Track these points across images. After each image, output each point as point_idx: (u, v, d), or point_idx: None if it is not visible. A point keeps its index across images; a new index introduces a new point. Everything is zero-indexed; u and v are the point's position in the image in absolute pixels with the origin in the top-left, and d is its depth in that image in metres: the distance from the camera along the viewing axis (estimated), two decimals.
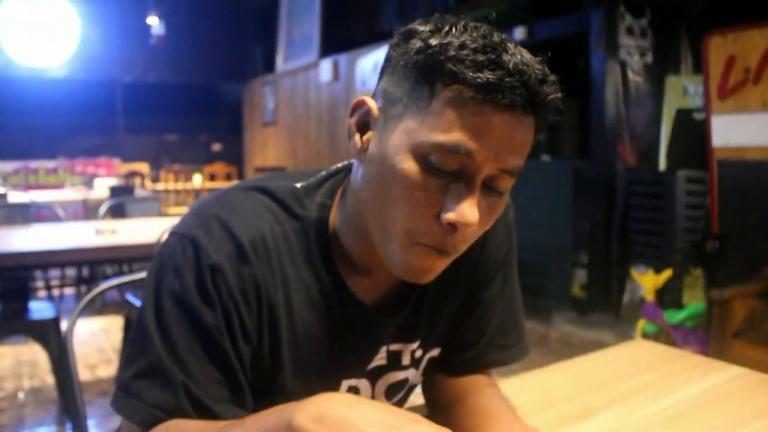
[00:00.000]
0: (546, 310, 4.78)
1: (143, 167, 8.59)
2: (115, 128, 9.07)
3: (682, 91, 4.60)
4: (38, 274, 4.20)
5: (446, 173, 0.67)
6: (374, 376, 0.87)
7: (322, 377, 0.75)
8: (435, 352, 0.93)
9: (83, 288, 4.89)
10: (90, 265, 4.41)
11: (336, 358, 0.80)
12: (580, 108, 6.56)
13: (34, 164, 8.00)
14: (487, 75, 0.64)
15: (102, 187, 6.15)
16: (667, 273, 3.69)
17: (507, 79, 0.64)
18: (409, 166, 0.67)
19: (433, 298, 0.88)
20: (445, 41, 0.66)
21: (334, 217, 0.80)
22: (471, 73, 0.64)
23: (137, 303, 2.88)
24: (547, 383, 1.17)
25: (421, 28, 0.69)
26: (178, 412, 0.69)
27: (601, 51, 4.48)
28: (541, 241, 5.26)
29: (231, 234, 0.73)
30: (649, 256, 4.20)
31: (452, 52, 0.65)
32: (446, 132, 0.65)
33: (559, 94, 0.69)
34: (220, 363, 0.71)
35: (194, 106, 9.64)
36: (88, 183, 6.34)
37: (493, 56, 0.64)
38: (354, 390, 0.85)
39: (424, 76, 0.67)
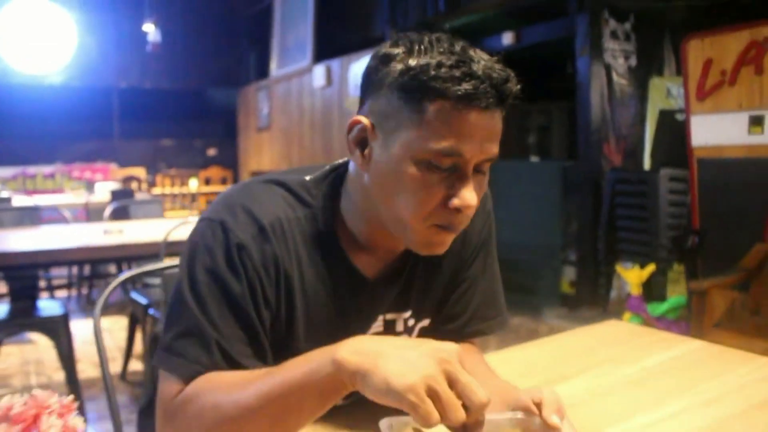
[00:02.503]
0: (536, 306, 4.92)
1: (140, 172, 8.70)
2: (111, 134, 9.17)
3: (665, 92, 4.75)
4: (40, 275, 4.30)
5: (444, 170, 0.82)
6: None
7: (329, 340, 0.88)
8: (425, 322, 1.07)
9: (85, 286, 5.01)
10: (94, 265, 4.52)
11: (341, 323, 0.94)
12: (569, 110, 6.72)
13: (31, 170, 8.10)
14: (464, 87, 0.78)
15: (103, 191, 6.26)
16: (651, 267, 3.83)
17: (481, 87, 0.78)
18: (413, 171, 0.82)
19: (424, 272, 1.03)
20: (423, 62, 0.80)
21: (338, 204, 0.95)
22: (452, 87, 0.78)
23: (143, 300, 3.01)
24: (528, 356, 1.31)
25: (396, 50, 0.83)
26: (213, 366, 0.83)
27: (586, 55, 4.62)
28: (531, 240, 5.40)
29: (253, 218, 0.88)
30: (635, 253, 4.34)
31: (432, 72, 0.78)
32: (439, 140, 0.79)
33: (518, 86, 0.84)
34: (246, 326, 0.85)
35: (189, 111, 9.75)
36: (89, 187, 6.45)
37: (466, 69, 0.78)
38: None
39: (411, 94, 0.80)
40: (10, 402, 0.49)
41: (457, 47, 0.81)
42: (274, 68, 8.37)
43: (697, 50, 3.70)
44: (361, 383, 0.69)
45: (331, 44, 7.14)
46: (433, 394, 0.65)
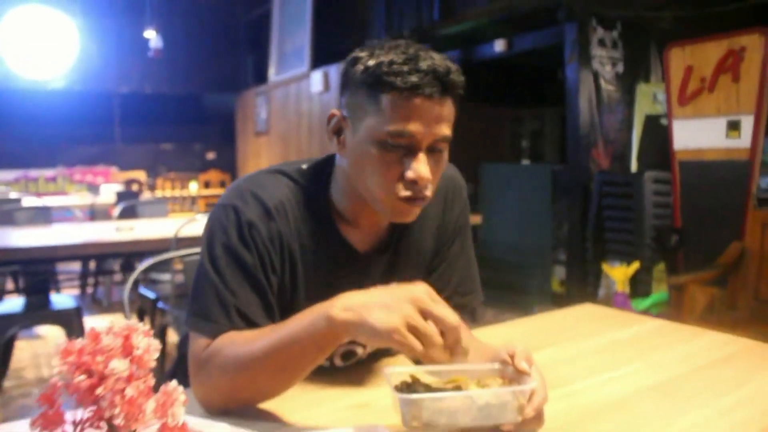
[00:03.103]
0: (528, 304, 5.08)
1: (140, 175, 8.85)
2: (112, 138, 9.33)
3: (652, 98, 4.93)
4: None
5: (399, 148, 0.99)
6: None
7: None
8: None
9: (90, 285, 5.15)
10: (100, 262, 4.68)
11: (336, 290, 1.11)
12: (561, 115, 6.90)
13: (33, 173, 8.24)
14: (411, 79, 0.96)
15: (108, 193, 6.41)
16: (635, 265, 4.01)
17: (425, 78, 0.97)
18: (374, 151, 1.00)
19: (408, 247, 1.21)
20: (379, 60, 0.99)
21: (329, 187, 1.14)
22: (401, 80, 0.96)
23: (151, 295, 3.17)
24: (510, 331, 1.48)
25: (361, 54, 1.02)
26: (233, 326, 1.01)
27: (574, 62, 4.79)
28: (522, 241, 5.57)
29: (260, 201, 1.07)
30: (621, 252, 4.51)
31: (386, 68, 0.97)
32: (392, 123, 0.98)
33: (461, 78, 1.02)
34: (259, 291, 1.04)
35: (189, 116, 9.90)
36: (92, 190, 6.61)
37: (413, 65, 0.97)
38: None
39: (370, 88, 0.99)
40: (98, 330, 0.65)
41: (411, 49, 1.00)
42: (273, 74, 8.53)
43: (678, 58, 3.88)
44: (354, 333, 0.88)
45: (328, 50, 7.28)
46: (413, 330, 0.83)
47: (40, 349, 3.95)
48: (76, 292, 5.32)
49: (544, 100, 7.74)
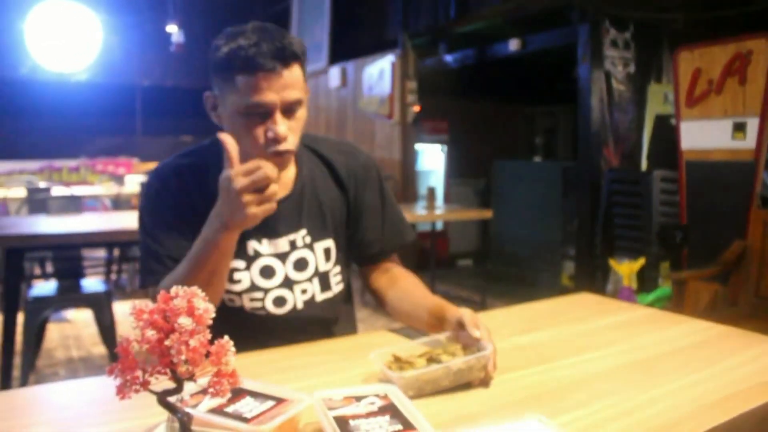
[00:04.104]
0: (538, 298, 5.19)
1: None
2: (134, 129, 9.51)
3: (663, 98, 5.03)
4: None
5: (258, 114, 1.22)
6: (282, 257, 1.41)
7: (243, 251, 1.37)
8: (327, 243, 1.46)
9: (114, 272, 5.33)
10: (123, 249, 4.86)
11: (244, 235, 1.33)
12: (573, 113, 6.99)
13: (57, 163, 8.44)
14: (256, 60, 1.18)
15: (132, 183, 6.60)
16: (641, 261, 4.13)
17: (267, 57, 1.19)
18: (241, 121, 1.24)
19: (309, 195, 1.44)
20: (229, 48, 1.21)
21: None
22: (245, 62, 1.19)
23: None
24: (507, 316, 1.62)
25: (219, 42, 1.24)
26: (167, 269, 1.29)
27: (587, 62, 4.90)
28: (533, 236, 5.69)
29: (163, 169, 1.39)
30: (629, 248, 4.63)
31: (234, 54, 1.20)
32: (247, 98, 1.20)
33: (301, 48, 1.25)
34: (180, 233, 1.33)
35: None
36: (118, 180, 6.79)
37: (255, 49, 1.19)
38: (270, 270, 1.40)
39: (226, 71, 1.22)
40: (168, 294, 0.80)
41: (254, 35, 1.21)
42: None
43: (687, 61, 3.98)
44: (234, 227, 1.16)
45: (346, 46, 7.41)
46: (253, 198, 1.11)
47: (69, 332, 4.14)
48: (101, 278, 5.51)
49: (557, 98, 7.83)
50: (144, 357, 0.77)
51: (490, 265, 6.22)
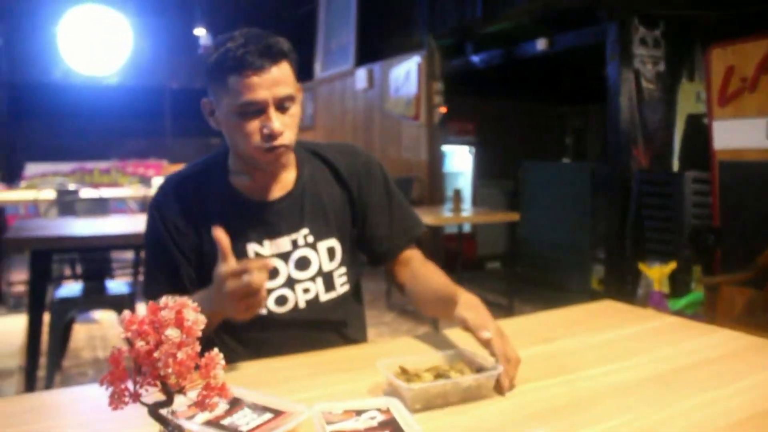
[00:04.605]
0: (566, 302, 5.10)
1: None
2: (163, 132, 9.62)
3: (695, 97, 4.91)
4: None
5: (253, 113, 1.26)
6: (284, 257, 1.40)
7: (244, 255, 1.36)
8: (331, 242, 1.45)
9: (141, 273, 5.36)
10: None
11: (241, 235, 1.36)
12: (603, 113, 6.88)
13: (89, 165, 8.57)
14: (245, 59, 1.22)
15: (158, 186, 6.64)
16: (672, 265, 4.02)
17: (250, 58, 1.22)
18: (237, 121, 1.27)
19: (310, 194, 1.43)
20: (219, 52, 1.25)
21: (228, 158, 1.43)
22: (234, 64, 1.23)
23: None
24: (527, 323, 1.57)
25: (209, 50, 1.29)
26: (161, 287, 1.33)
27: (615, 61, 4.81)
28: (561, 239, 5.61)
29: (164, 187, 1.41)
30: (660, 251, 4.52)
31: (223, 57, 1.24)
32: (239, 98, 1.24)
33: (287, 46, 1.28)
34: (173, 262, 1.37)
35: None
36: (144, 182, 6.85)
37: (242, 50, 1.23)
38: (273, 270, 1.37)
39: (218, 74, 1.26)
40: (157, 305, 0.78)
41: (242, 38, 1.25)
42: (318, 70, 8.68)
43: (719, 58, 3.87)
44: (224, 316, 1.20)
45: (372, 48, 7.40)
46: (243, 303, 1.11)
47: (96, 332, 4.18)
48: (128, 279, 5.56)
49: (587, 97, 7.72)
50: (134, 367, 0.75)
51: (519, 268, 6.15)
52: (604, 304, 1.77)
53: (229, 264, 1.11)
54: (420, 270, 1.49)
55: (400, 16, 7.07)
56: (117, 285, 3.34)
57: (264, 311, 1.37)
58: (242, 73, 1.23)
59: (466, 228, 6.78)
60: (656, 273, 4.08)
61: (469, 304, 1.25)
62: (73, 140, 8.78)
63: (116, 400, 0.75)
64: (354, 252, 1.51)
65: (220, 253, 1.12)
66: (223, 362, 0.77)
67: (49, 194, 4.84)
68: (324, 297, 1.43)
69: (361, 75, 7.41)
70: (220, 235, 1.12)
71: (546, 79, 7.47)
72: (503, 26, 5.84)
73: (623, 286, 4.94)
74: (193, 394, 0.78)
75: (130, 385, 0.74)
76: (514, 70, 6.76)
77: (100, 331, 4.18)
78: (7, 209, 6.33)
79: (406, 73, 6.55)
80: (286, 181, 1.43)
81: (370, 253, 1.52)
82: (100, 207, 3.99)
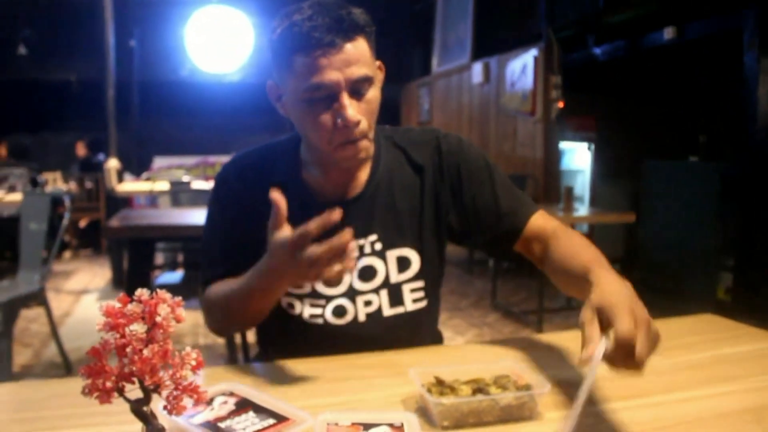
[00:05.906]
0: (687, 312, 4.72)
1: None
2: (282, 127, 9.87)
3: None
4: None
5: (323, 99, 1.09)
6: None
7: None
8: (404, 251, 1.27)
9: None
10: None
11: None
12: (737, 108, 6.33)
13: (212, 159, 8.94)
14: (312, 35, 1.05)
15: None
16: None
17: (322, 31, 1.05)
18: (304, 108, 1.11)
19: (384, 195, 1.26)
20: (282, 28, 1.09)
21: (300, 146, 1.30)
22: (301, 41, 1.07)
23: None
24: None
25: (274, 26, 1.12)
26: (215, 272, 1.25)
27: (754, 50, 4.39)
28: (685, 243, 5.20)
29: (233, 164, 1.33)
30: None
31: (287, 33, 1.08)
32: (307, 80, 1.08)
33: (364, 18, 1.12)
34: (231, 238, 1.28)
35: None
36: None
37: (308, 24, 1.06)
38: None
39: (282, 55, 1.11)
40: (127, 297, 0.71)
41: (309, 10, 1.06)
42: (435, 65, 8.61)
43: None
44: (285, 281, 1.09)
45: (489, 42, 7.25)
46: (312, 265, 0.97)
47: (200, 320, 4.29)
48: None
49: (720, 91, 7.14)
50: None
51: (637, 274, 5.76)
52: (706, 318, 1.56)
53: (284, 230, 1.00)
54: (552, 244, 1.25)
55: (518, 8, 6.86)
56: None
57: (321, 321, 1.26)
58: (309, 52, 1.06)
59: (583, 229, 6.46)
60: None
61: (601, 295, 0.90)
62: (198, 135, 9.20)
63: (98, 394, 0.69)
64: (441, 264, 1.34)
65: (275, 218, 1.01)
66: (194, 363, 0.70)
67: (163, 186, 5.05)
68: (388, 311, 1.28)
69: (477, 69, 7.27)
70: (278, 197, 1.00)
71: (673, 72, 6.97)
72: (627, 15, 5.49)
73: (755, 297, 4.50)
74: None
75: (109, 380, 0.68)
76: (639, 62, 6.36)
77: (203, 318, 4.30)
78: (136, 199, 6.73)
79: (522, 66, 6.32)
80: (361, 178, 1.27)
81: (492, 240, 1.31)
82: (205, 198, 4.09)
